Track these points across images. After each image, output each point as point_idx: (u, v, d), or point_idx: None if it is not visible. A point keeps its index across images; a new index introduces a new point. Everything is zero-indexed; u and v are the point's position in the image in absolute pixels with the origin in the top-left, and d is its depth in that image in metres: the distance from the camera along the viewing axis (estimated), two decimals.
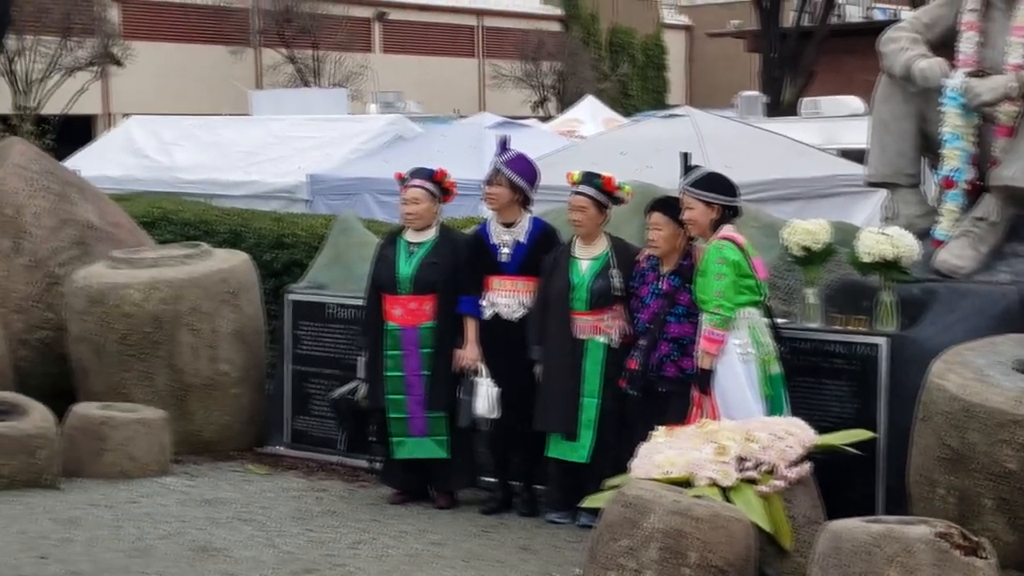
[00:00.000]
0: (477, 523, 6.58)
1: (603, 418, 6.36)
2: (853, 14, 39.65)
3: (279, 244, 9.51)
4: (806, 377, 6.25)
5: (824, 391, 6.25)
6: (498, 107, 30.62)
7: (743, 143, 11.33)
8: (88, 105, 30.02)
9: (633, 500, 5.05)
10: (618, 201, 6.59)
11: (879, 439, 5.98)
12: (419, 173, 6.97)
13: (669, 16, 47.16)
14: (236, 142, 15.90)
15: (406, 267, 6.81)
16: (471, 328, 6.70)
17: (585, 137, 18.76)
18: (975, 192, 6.68)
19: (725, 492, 5.22)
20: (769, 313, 6.09)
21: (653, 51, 45.65)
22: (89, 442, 7.26)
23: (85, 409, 7.47)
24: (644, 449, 5.57)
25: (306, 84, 33.02)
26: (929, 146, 6.84)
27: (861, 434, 5.78)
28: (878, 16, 37.56)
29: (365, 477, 7.32)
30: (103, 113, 31.87)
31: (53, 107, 26.89)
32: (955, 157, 6.60)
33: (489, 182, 6.74)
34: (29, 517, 6.31)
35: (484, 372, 6.61)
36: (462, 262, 6.75)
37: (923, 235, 6.57)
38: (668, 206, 6.25)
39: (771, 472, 5.29)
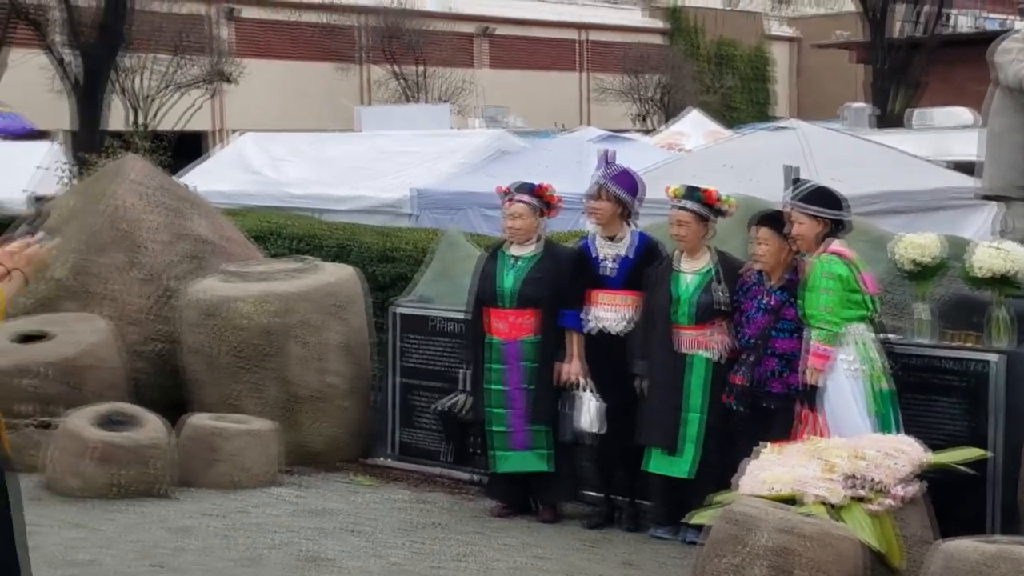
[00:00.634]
0: (581, 537, 6.58)
1: (707, 433, 6.32)
2: (963, 24, 38.86)
3: (385, 258, 9.62)
4: (917, 394, 6.15)
5: (935, 408, 6.14)
6: (601, 121, 30.62)
7: (851, 155, 11.18)
8: (200, 122, 30.68)
9: (740, 517, 5.01)
10: (721, 214, 6.54)
11: (992, 457, 5.86)
12: (522, 188, 7.00)
13: (774, 28, 46.70)
14: (343, 158, 16.11)
15: (509, 281, 6.84)
16: (574, 342, 6.71)
17: (689, 150, 18.67)
18: None
19: (833, 510, 5.16)
20: (879, 328, 5.99)
21: (758, 63, 45.24)
22: (201, 452, 7.41)
23: (198, 420, 7.62)
24: (750, 465, 5.51)
25: (411, 100, 33.36)
26: None
27: (973, 452, 5.67)
28: (989, 26, 36.76)
29: (470, 489, 7.37)
30: (215, 129, 32.55)
31: (167, 124, 27.52)
32: None
33: (593, 196, 6.74)
34: (143, 526, 6.46)
35: (587, 386, 6.61)
36: (565, 276, 6.77)
37: None
38: (774, 220, 6.19)
39: (881, 490, 5.21)
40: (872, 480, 5.23)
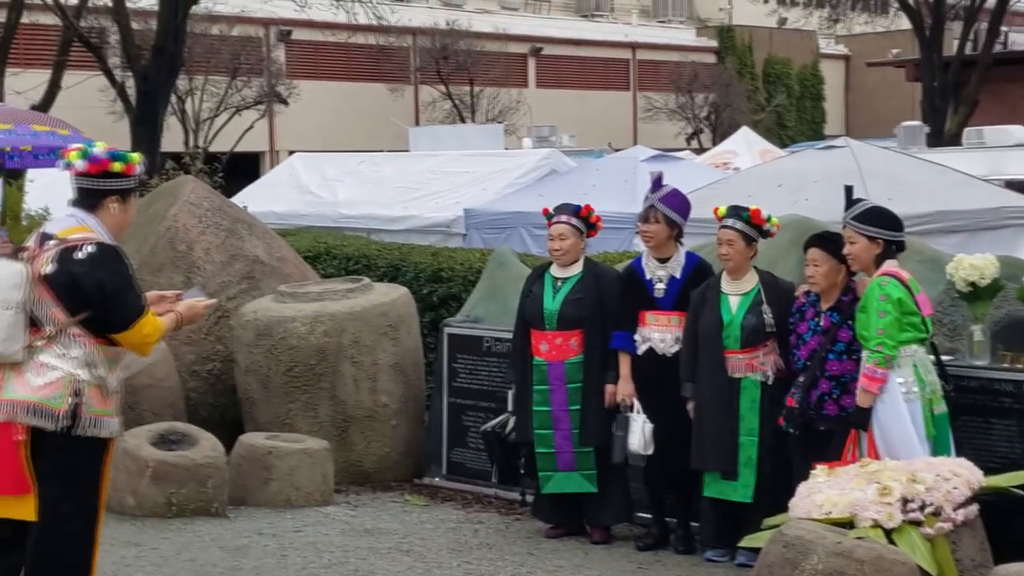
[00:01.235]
0: (633, 559, 6.56)
1: (763, 456, 6.29)
2: (1018, 41, 38.44)
3: (437, 278, 9.67)
4: (973, 416, 6.09)
5: (991, 431, 6.08)
6: (651, 140, 30.59)
7: (904, 174, 11.08)
8: (255, 143, 31.00)
9: (793, 540, 4.98)
10: (766, 234, 6.52)
11: None
12: (564, 209, 7.00)
13: (826, 46, 46.46)
14: (395, 178, 16.22)
15: (552, 303, 6.85)
16: (625, 363, 6.70)
17: (740, 169, 18.59)
18: None
19: (888, 534, 5.12)
20: (934, 350, 5.94)
21: (810, 81, 44.99)
22: (256, 471, 7.47)
23: (252, 439, 7.69)
24: (804, 488, 5.48)
25: (462, 120, 33.50)
26: None
27: None
28: None
29: (521, 510, 7.38)
30: (269, 150, 32.87)
31: (222, 145, 27.83)
32: None
33: (645, 219, 6.72)
34: (198, 545, 6.53)
35: (638, 408, 6.60)
36: (607, 296, 6.76)
37: None
38: (827, 241, 6.15)
39: (936, 514, 5.17)
40: (928, 503, 5.18)
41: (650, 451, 6.54)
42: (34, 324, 4.72)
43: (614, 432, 6.64)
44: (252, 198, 15.60)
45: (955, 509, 5.20)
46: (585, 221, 6.96)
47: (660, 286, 6.68)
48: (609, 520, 6.91)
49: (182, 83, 26.10)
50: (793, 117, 43.55)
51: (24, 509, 4.68)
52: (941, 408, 5.81)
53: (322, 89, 33.24)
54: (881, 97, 42.66)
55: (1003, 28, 29.89)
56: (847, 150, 11.23)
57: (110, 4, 18.80)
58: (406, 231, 14.27)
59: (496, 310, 8.23)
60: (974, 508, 5.28)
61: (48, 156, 8.35)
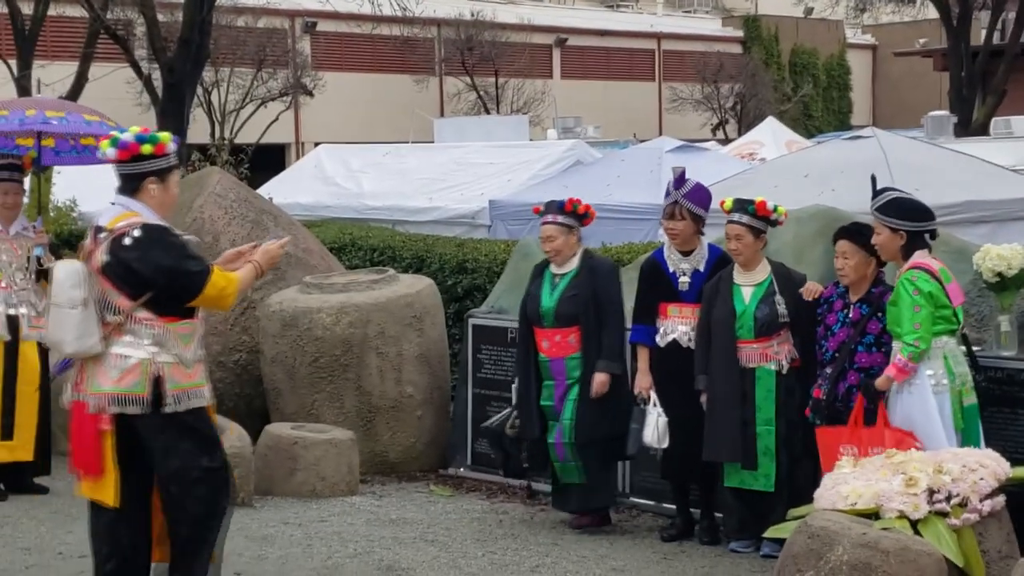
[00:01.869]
0: (658, 550, 6.57)
1: (781, 445, 6.28)
2: None
3: (461, 269, 9.68)
4: (1000, 407, 6.06)
5: (1019, 422, 6.05)
6: (677, 130, 30.49)
7: (931, 164, 11.02)
8: (280, 134, 31.10)
9: (819, 531, 4.97)
10: (774, 224, 6.48)
11: None
12: (550, 207, 6.93)
13: (853, 36, 46.20)
14: (420, 169, 16.23)
15: (549, 300, 6.84)
16: (643, 357, 6.69)
17: (766, 160, 18.51)
18: None
19: (914, 525, 5.10)
20: (965, 340, 5.90)
21: (836, 71, 44.79)
22: (281, 462, 7.51)
23: (278, 429, 7.73)
24: (829, 479, 5.47)
25: (487, 111, 33.50)
26: None
27: None
28: None
29: (545, 500, 7.39)
30: (294, 142, 32.96)
31: (247, 136, 27.92)
32: None
33: (671, 216, 6.65)
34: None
35: (654, 400, 6.59)
36: (601, 289, 6.73)
37: None
38: (856, 234, 6.10)
39: (963, 505, 5.14)
40: (954, 494, 5.16)
41: (664, 444, 6.54)
42: (103, 317, 4.89)
43: (631, 425, 6.65)
44: (277, 189, 15.66)
45: (981, 500, 5.17)
46: (573, 215, 6.88)
47: (684, 279, 6.64)
48: (593, 507, 6.89)
49: (208, 75, 26.20)
50: (819, 107, 43.36)
51: (104, 491, 4.93)
52: (971, 400, 5.78)
53: (347, 81, 33.31)
54: (908, 87, 42.43)
55: None
56: (874, 140, 11.18)
57: None
58: (431, 222, 14.27)
59: (519, 301, 8.21)
60: (1001, 499, 5.25)
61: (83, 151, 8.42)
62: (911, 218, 5.86)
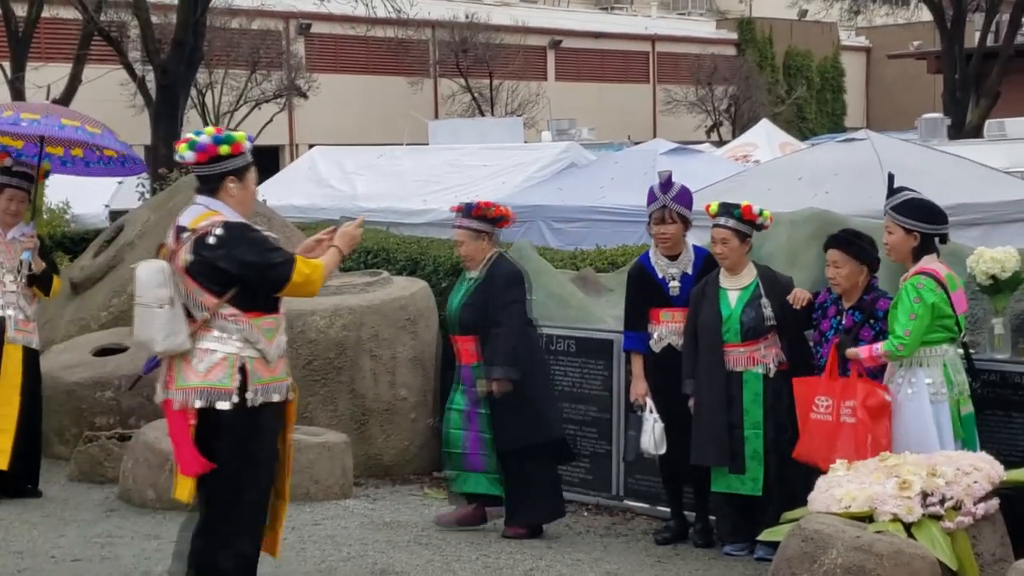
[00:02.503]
0: (652, 553, 6.56)
1: (769, 449, 6.27)
2: None
3: (455, 271, 9.64)
4: (994, 410, 6.06)
5: (1012, 424, 6.05)
6: (671, 132, 30.51)
7: (925, 167, 11.02)
8: (274, 136, 31.08)
9: (812, 534, 4.97)
10: (759, 228, 6.47)
11: None
12: (461, 210, 6.79)
13: (847, 38, 46.27)
14: (414, 171, 16.24)
15: (453, 308, 6.82)
16: (637, 364, 6.67)
17: (760, 162, 18.53)
18: None
19: (908, 528, 5.10)
20: (965, 349, 5.88)
21: (830, 73, 44.86)
22: None
23: None
24: (823, 482, 5.46)
25: (481, 113, 33.49)
26: None
27: None
28: None
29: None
30: (289, 144, 32.95)
31: None
32: None
33: (661, 220, 6.58)
34: None
35: (650, 407, 6.57)
36: (491, 297, 6.61)
37: None
38: (846, 243, 6.07)
39: (957, 508, 5.14)
40: (948, 497, 5.16)
41: (662, 450, 6.53)
42: (190, 315, 4.94)
43: (627, 432, 6.64)
44: (271, 191, 15.64)
45: (975, 503, 5.17)
46: (483, 219, 6.72)
47: (674, 284, 6.59)
48: (522, 522, 6.76)
49: (202, 77, 26.19)
50: (813, 109, 43.41)
51: (182, 489, 4.98)
52: (968, 408, 5.76)
53: (341, 83, 33.29)
54: (902, 89, 42.49)
55: None
56: (867, 143, 11.20)
57: None
58: (425, 224, 14.28)
59: None
60: (994, 502, 5.25)
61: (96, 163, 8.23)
62: (926, 220, 5.80)
